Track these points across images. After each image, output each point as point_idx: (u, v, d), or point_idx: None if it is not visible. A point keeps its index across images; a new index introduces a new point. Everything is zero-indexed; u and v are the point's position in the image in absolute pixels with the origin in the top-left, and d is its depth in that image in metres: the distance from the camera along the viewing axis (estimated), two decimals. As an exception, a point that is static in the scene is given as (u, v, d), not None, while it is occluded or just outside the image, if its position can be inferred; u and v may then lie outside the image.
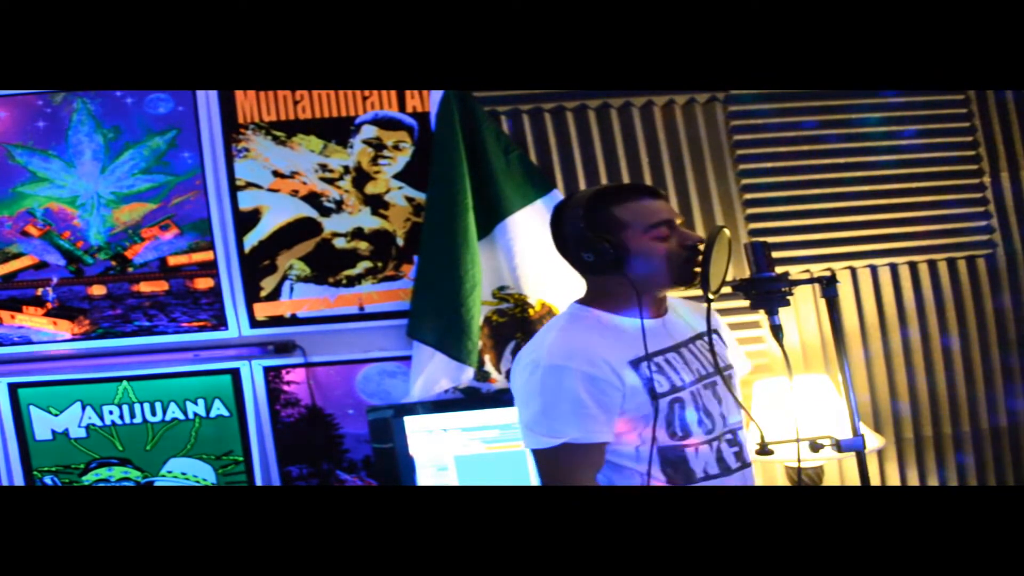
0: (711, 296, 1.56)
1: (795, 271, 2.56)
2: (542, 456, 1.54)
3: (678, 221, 1.65)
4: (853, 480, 2.56)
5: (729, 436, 1.67)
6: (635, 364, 1.56)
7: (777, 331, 1.55)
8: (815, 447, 1.60)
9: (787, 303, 1.55)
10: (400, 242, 2.65)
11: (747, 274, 1.58)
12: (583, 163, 2.63)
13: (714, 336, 1.70)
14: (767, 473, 2.62)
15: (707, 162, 2.64)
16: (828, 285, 1.59)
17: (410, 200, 2.64)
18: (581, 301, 1.69)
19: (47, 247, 2.72)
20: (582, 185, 2.61)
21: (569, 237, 1.63)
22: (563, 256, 1.69)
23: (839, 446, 1.55)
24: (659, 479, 1.58)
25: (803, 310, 2.59)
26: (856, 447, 1.55)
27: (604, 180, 2.63)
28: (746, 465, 1.69)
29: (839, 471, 2.59)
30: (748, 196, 2.63)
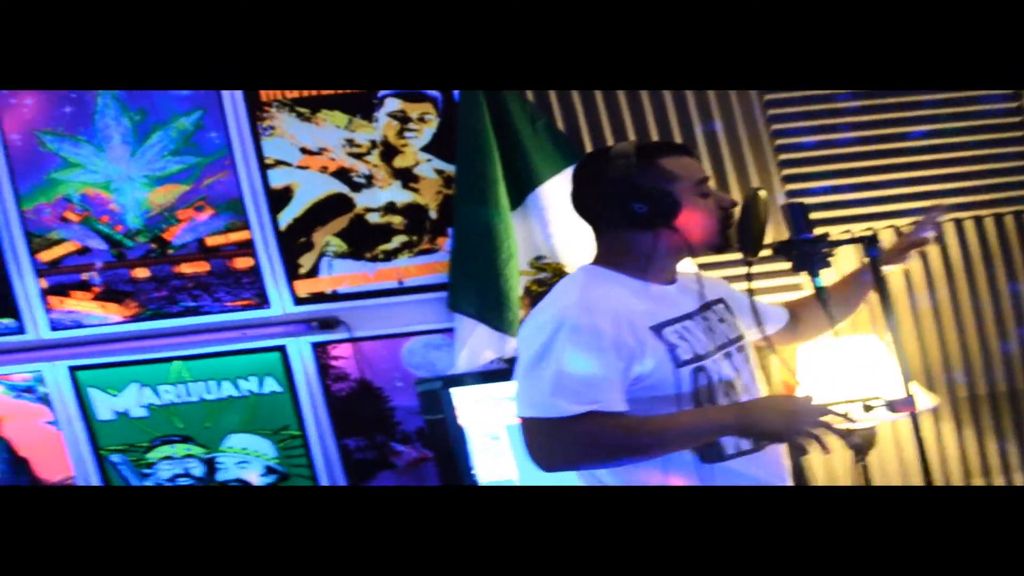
0: (751, 259, 1.53)
1: (835, 231, 2.40)
2: (556, 425, 1.40)
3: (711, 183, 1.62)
4: (907, 442, 2.47)
5: None
6: (657, 330, 1.49)
7: (821, 293, 1.54)
8: (867, 408, 1.54)
9: (828, 264, 1.53)
10: (433, 215, 2.57)
11: (786, 237, 1.55)
12: (612, 129, 2.48)
13: (722, 305, 1.67)
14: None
15: (736, 114, 2.46)
16: (870, 245, 1.56)
17: (440, 172, 2.53)
18: (596, 262, 1.60)
19: (88, 232, 2.72)
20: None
21: (613, 188, 1.52)
22: (587, 211, 1.61)
23: (891, 406, 1.49)
24: (687, 457, 1.50)
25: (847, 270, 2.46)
26: (908, 406, 1.50)
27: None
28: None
29: (893, 434, 2.49)
30: (783, 156, 2.44)
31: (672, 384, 1.48)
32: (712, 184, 1.61)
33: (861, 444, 2.29)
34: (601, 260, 1.60)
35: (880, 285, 1.54)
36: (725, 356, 1.59)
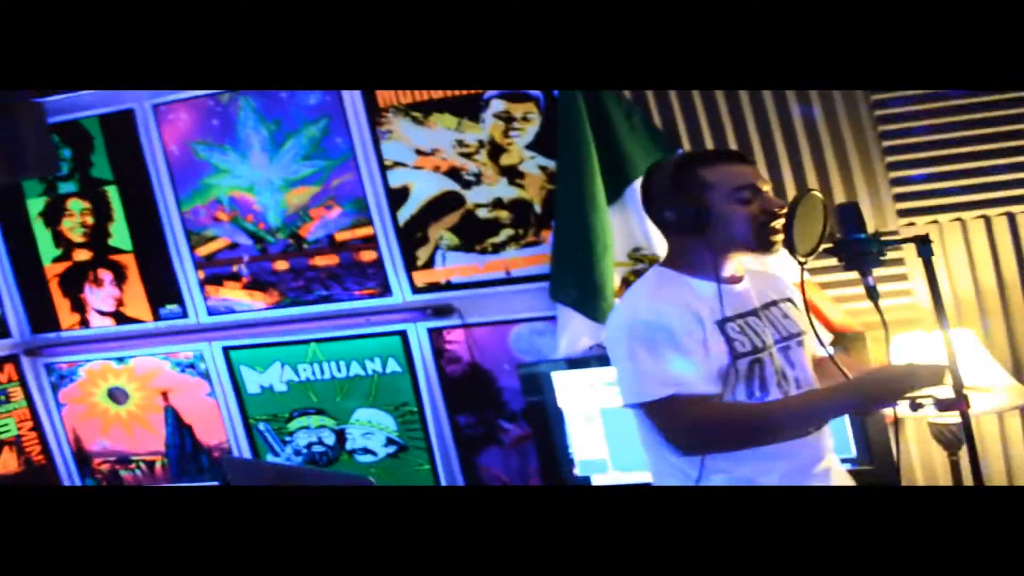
0: (801, 260, 1.58)
1: (945, 218, 2.36)
2: (652, 409, 1.57)
3: (765, 187, 1.65)
4: (1016, 438, 2.41)
5: None
6: (720, 325, 1.60)
7: (872, 292, 1.55)
8: (915, 406, 1.57)
9: (880, 263, 1.54)
10: (538, 209, 2.73)
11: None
12: (709, 123, 2.53)
13: (787, 303, 1.74)
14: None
15: (840, 111, 2.44)
16: (922, 244, 1.55)
17: (543, 168, 2.69)
18: (663, 264, 1.73)
19: (236, 230, 3.08)
20: (708, 143, 2.52)
21: (655, 196, 1.68)
22: (649, 216, 1.74)
23: (940, 405, 1.51)
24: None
25: (955, 261, 2.40)
26: (957, 406, 1.49)
27: (730, 139, 2.52)
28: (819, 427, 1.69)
29: (1000, 427, 2.44)
30: (887, 143, 2.41)
31: (730, 375, 1.58)
32: (766, 187, 1.65)
33: (951, 438, 2.28)
34: (667, 261, 1.73)
35: (932, 285, 1.54)
36: (783, 350, 1.67)
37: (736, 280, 1.70)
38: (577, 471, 2.66)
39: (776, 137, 2.48)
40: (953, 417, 2.26)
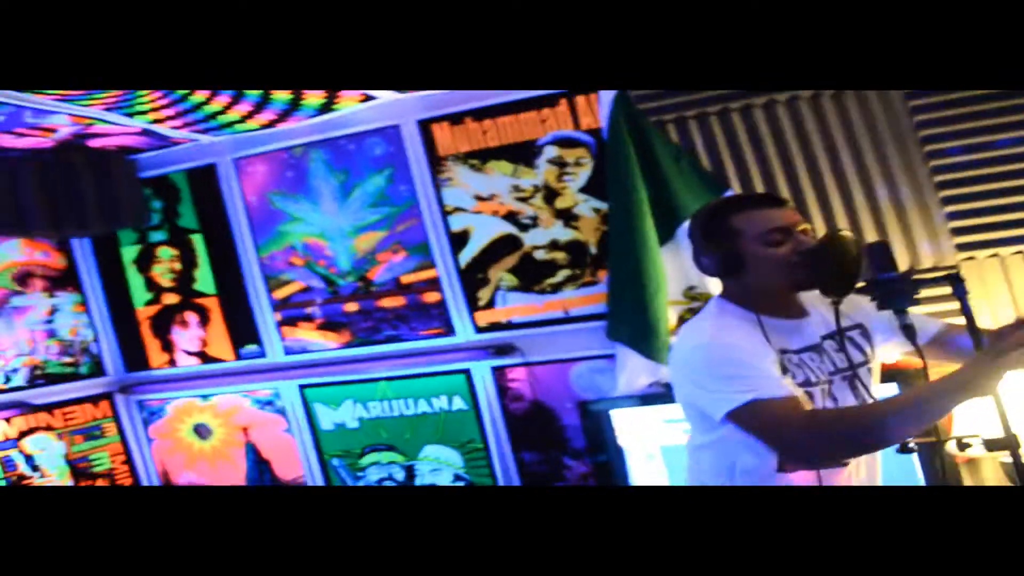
0: (834, 300, 1.62)
1: (1006, 252, 2.32)
2: (742, 417, 1.57)
3: (801, 228, 1.68)
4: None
5: None
6: (782, 353, 1.64)
7: (908, 331, 1.54)
8: (962, 446, 1.56)
9: (915, 302, 1.53)
10: (593, 250, 2.80)
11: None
12: (757, 163, 2.56)
13: (857, 331, 1.76)
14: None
15: (889, 147, 2.42)
16: (956, 283, 1.52)
17: (597, 211, 2.76)
18: (722, 296, 1.77)
19: (309, 274, 3.24)
20: (757, 183, 2.55)
21: (693, 243, 1.77)
22: (694, 261, 1.79)
23: (989, 445, 1.49)
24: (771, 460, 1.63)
25: (996, 298, 2.35)
26: (1007, 447, 1.47)
27: (779, 178, 2.53)
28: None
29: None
30: (939, 178, 2.38)
31: None
32: (802, 227, 1.69)
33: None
34: (725, 294, 1.78)
35: (970, 322, 1.52)
36: (844, 379, 1.69)
37: (796, 314, 1.73)
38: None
39: (824, 172, 2.48)
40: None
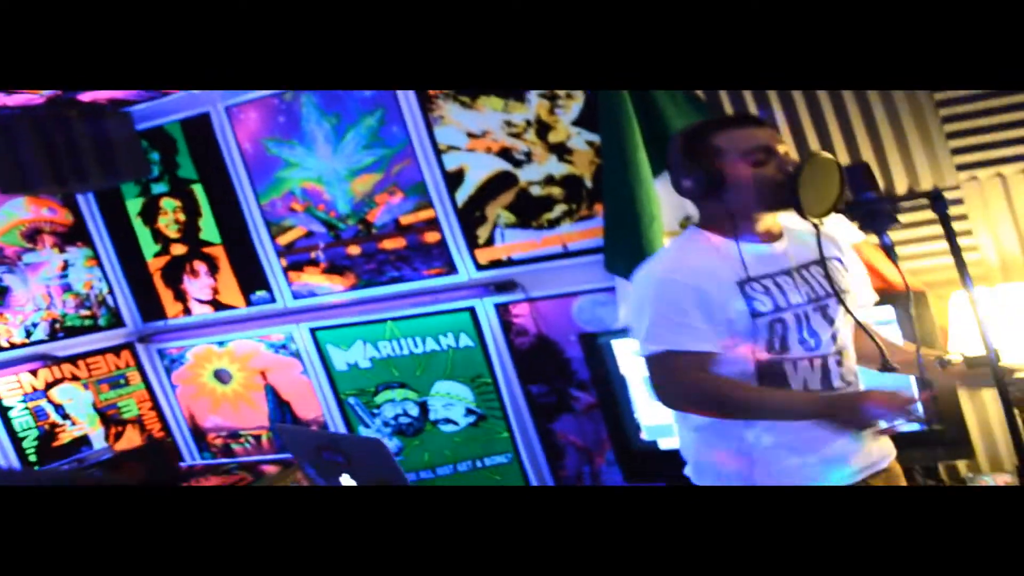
0: (815, 221, 1.59)
1: (1010, 169, 2.23)
2: (651, 362, 1.65)
3: (781, 148, 1.66)
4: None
5: (838, 356, 1.69)
6: (740, 285, 1.64)
7: (890, 251, 1.52)
8: (943, 363, 1.56)
9: (895, 222, 1.51)
10: (588, 184, 2.76)
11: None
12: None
13: (834, 261, 1.73)
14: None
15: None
16: (936, 201, 1.50)
17: (590, 144, 2.70)
18: (697, 224, 1.76)
19: (310, 219, 3.25)
20: (749, 103, 2.47)
21: (673, 165, 1.72)
22: (673, 184, 1.76)
23: (969, 363, 1.50)
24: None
25: (998, 218, 2.28)
26: (987, 364, 1.46)
27: (772, 96, 2.45)
28: (850, 385, 1.70)
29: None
30: (939, 96, 2.27)
31: (752, 334, 1.62)
32: (783, 148, 1.65)
33: (1019, 395, 2.20)
34: (700, 223, 1.76)
35: (951, 241, 1.49)
36: (817, 309, 1.67)
37: (771, 239, 1.71)
38: (644, 436, 2.72)
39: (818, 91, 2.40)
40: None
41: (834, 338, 1.68)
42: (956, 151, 2.28)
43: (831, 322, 1.68)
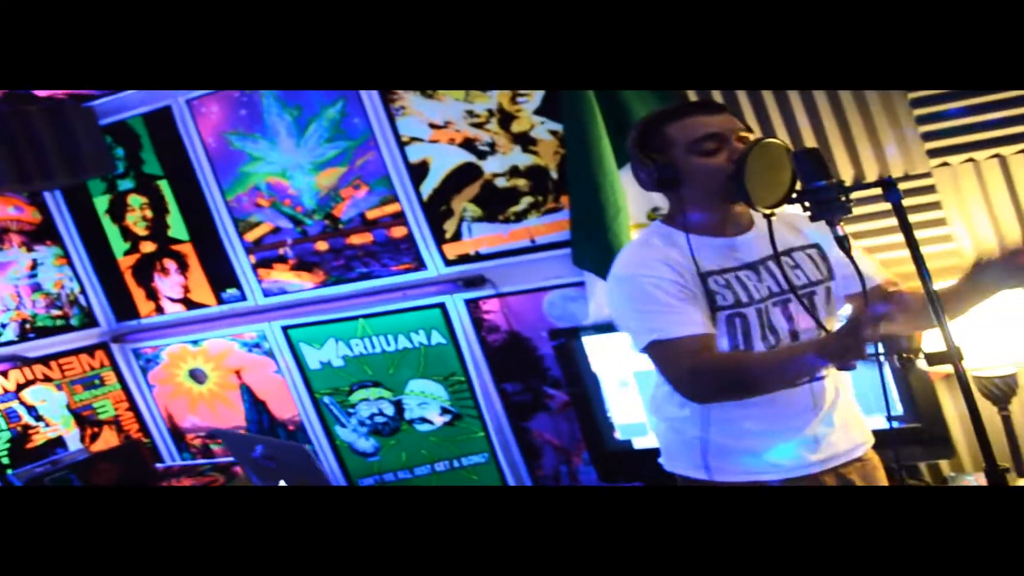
0: (765, 212, 1.50)
1: (982, 155, 2.10)
2: (652, 357, 1.56)
3: (739, 136, 1.56)
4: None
5: None
6: (702, 278, 1.55)
7: (842, 242, 1.40)
8: (904, 362, 1.48)
9: (848, 211, 1.39)
10: (554, 175, 2.64)
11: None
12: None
13: (814, 250, 1.63)
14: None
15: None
16: (890, 190, 1.38)
17: (554, 133, 2.59)
18: (662, 219, 1.68)
19: (277, 214, 3.15)
20: (717, 96, 2.34)
21: (630, 157, 1.65)
22: (635, 177, 1.68)
23: (930, 360, 1.38)
24: None
25: (972, 205, 2.14)
26: (948, 361, 1.34)
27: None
28: (816, 380, 1.58)
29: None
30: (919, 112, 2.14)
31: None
32: (743, 135, 1.55)
33: (997, 392, 2.08)
34: (666, 216, 1.68)
35: (907, 232, 1.37)
36: (777, 304, 1.58)
37: (739, 230, 1.61)
38: (618, 435, 2.62)
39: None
40: (1002, 370, 2.07)
41: (794, 335, 1.58)
42: (927, 136, 2.14)
43: (791, 318, 1.58)
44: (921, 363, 1.48)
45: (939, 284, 2.06)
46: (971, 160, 2.10)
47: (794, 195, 1.47)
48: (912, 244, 1.38)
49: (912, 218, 2.10)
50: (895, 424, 2.22)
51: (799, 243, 1.65)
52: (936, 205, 2.19)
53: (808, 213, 1.44)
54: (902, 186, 2.01)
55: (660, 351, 1.53)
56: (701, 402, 1.57)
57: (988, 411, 2.24)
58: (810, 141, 2.26)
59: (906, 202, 2.11)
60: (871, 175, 2.25)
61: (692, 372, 1.49)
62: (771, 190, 1.50)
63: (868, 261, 1.90)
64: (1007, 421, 2.07)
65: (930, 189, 2.19)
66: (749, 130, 1.63)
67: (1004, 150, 2.08)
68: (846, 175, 2.27)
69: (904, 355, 1.51)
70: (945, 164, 2.13)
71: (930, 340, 2.09)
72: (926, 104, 2.12)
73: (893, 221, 2.13)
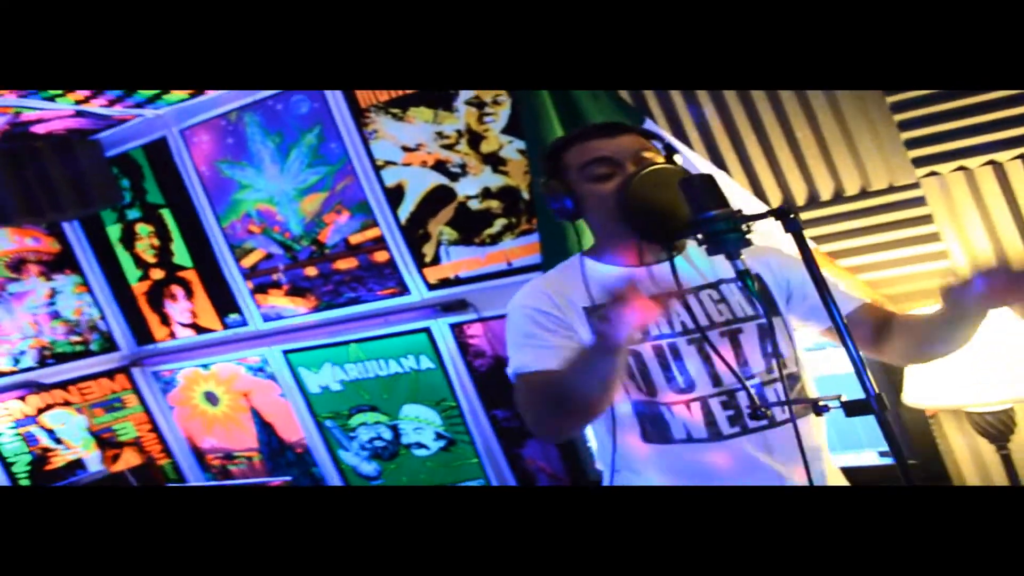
0: (665, 247, 1.42)
1: (974, 163, 1.89)
2: (516, 388, 1.47)
3: (635, 159, 1.45)
4: None
5: (724, 398, 1.41)
6: (588, 312, 1.44)
7: (744, 276, 1.25)
8: (820, 410, 1.30)
9: (747, 243, 1.24)
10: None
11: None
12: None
13: (735, 284, 1.47)
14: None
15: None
16: (786, 219, 1.22)
17: (523, 152, 2.49)
18: (586, 249, 1.59)
19: (268, 240, 3.15)
20: (681, 111, 2.20)
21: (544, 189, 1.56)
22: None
23: (849, 409, 1.22)
24: (633, 433, 1.44)
25: (967, 218, 1.93)
26: (868, 410, 1.19)
27: (703, 96, 2.17)
28: (746, 431, 1.41)
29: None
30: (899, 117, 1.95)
31: None
32: (648, 155, 1.44)
33: (992, 431, 1.87)
34: (590, 248, 1.58)
35: (808, 263, 1.20)
36: (691, 342, 1.42)
37: (659, 259, 1.48)
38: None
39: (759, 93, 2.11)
40: (997, 405, 1.86)
41: (713, 377, 1.42)
42: (910, 143, 1.95)
43: (707, 358, 1.42)
44: (839, 413, 1.32)
45: (923, 308, 1.91)
46: (963, 168, 1.90)
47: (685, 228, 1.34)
48: (815, 273, 1.23)
49: (901, 234, 1.97)
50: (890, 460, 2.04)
51: (731, 274, 1.48)
52: (927, 219, 2.00)
53: (703, 247, 1.31)
54: (887, 199, 1.87)
55: (518, 384, 1.45)
56: (543, 437, 1.49)
57: (987, 449, 2.04)
58: (781, 150, 2.09)
59: (893, 216, 1.97)
60: (851, 187, 2.07)
61: (523, 406, 1.42)
62: (669, 220, 1.36)
63: (848, 281, 1.74)
64: (1007, 460, 1.86)
65: (919, 201, 2.00)
66: (673, 151, 1.50)
67: (999, 156, 1.87)
68: (824, 188, 2.10)
69: (820, 404, 1.34)
70: (934, 173, 1.93)
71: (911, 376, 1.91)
72: (908, 108, 1.93)
73: (879, 238, 2.00)
